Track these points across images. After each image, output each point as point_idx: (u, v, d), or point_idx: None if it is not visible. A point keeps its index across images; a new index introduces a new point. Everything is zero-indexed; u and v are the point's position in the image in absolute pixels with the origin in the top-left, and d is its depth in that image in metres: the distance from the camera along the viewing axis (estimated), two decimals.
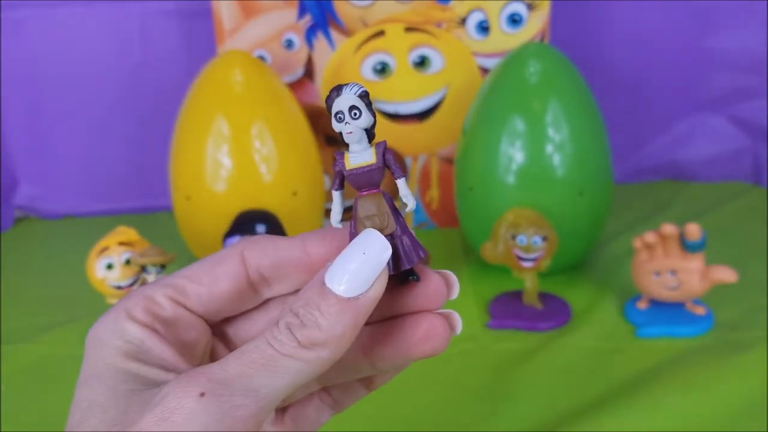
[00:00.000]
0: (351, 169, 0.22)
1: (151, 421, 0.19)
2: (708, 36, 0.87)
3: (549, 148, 0.62)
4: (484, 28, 0.75)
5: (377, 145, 0.23)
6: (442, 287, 0.23)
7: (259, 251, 0.23)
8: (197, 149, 0.65)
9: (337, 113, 0.22)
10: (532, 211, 0.58)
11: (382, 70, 0.76)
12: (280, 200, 0.65)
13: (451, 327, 0.23)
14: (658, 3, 0.86)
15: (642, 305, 0.58)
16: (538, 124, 0.62)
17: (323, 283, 0.20)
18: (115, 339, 0.21)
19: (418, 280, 0.23)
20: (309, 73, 0.77)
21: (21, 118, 0.88)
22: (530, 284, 0.59)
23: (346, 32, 0.76)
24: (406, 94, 0.77)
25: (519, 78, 0.64)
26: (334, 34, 0.76)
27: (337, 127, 0.22)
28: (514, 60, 0.66)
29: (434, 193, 0.81)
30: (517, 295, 0.61)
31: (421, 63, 0.76)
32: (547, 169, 0.62)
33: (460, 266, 0.70)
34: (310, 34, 0.76)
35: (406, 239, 0.22)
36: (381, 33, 0.75)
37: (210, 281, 0.23)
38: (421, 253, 0.22)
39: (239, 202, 0.64)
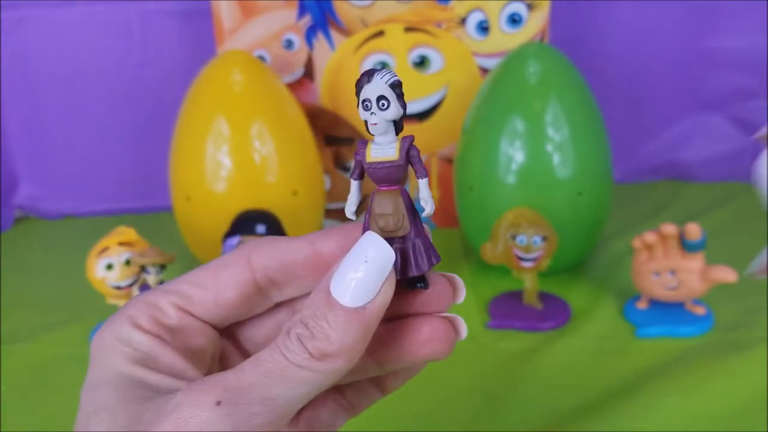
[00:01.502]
0: (371, 163, 0.21)
1: (165, 429, 0.18)
2: (708, 36, 0.87)
3: (549, 148, 0.62)
4: (483, 28, 0.75)
5: (403, 139, 0.21)
6: (448, 290, 0.22)
7: (266, 254, 0.23)
8: (197, 149, 0.65)
9: (364, 101, 0.20)
10: (532, 211, 0.58)
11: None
12: (280, 200, 0.65)
13: (456, 331, 0.22)
14: (658, 3, 0.86)
15: (642, 305, 0.58)
16: (538, 124, 0.62)
17: (329, 292, 0.20)
18: (122, 346, 0.21)
19: (426, 287, 0.22)
20: (309, 73, 0.77)
21: (21, 118, 0.88)
22: (530, 284, 0.59)
23: (346, 32, 0.76)
24: (406, 94, 0.77)
25: (519, 78, 0.64)
26: (334, 34, 0.76)
27: (363, 115, 0.21)
28: (514, 60, 0.66)
29: (434, 193, 0.81)
30: (517, 295, 0.61)
31: (421, 63, 0.76)
32: (547, 169, 0.62)
33: (460, 266, 0.70)
34: (310, 34, 0.76)
35: (419, 243, 0.21)
36: (381, 33, 0.75)
37: (216, 287, 0.22)
38: (433, 259, 0.21)
39: (239, 202, 0.64)
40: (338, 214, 0.80)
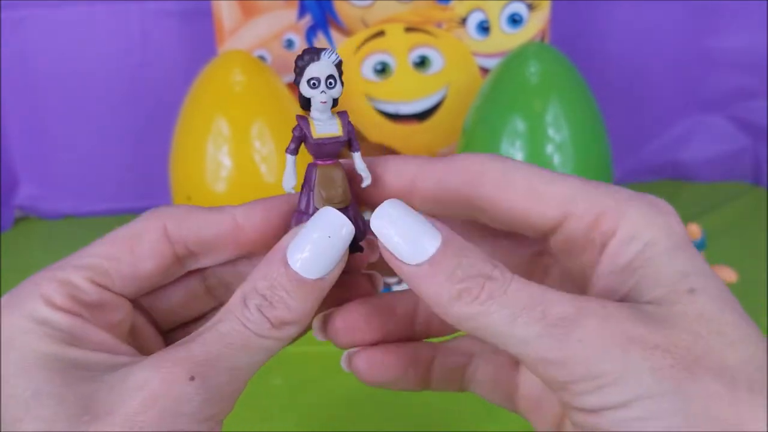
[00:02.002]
0: (318, 139, 0.22)
1: (134, 406, 0.18)
2: (708, 36, 0.87)
3: (549, 148, 0.62)
4: (484, 28, 0.75)
5: (341, 115, 0.22)
6: (368, 253, 0.24)
7: (184, 226, 0.23)
8: (197, 149, 0.65)
9: (311, 79, 0.21)
10: None
11: (382, 70, 0.76)
12: None
13: (375, 287, 0.25)
14: (659, 3, 0.86)
15: None
16: (538, 124, 0.62)
17: (287, 263, 0.20)
18: (41, 327, 0.20)
19: (362, 251, 0.23)
20: None
21: (21, 118, 0.88)
22: None
23: (347, 32, 0.76)
24: (406, 94, 0.77)
25: (519, 78, 0.64)
26: (335, 34, 0.76)
27: (308, 92, 0.22)
28: (515, 60, 0.66)
29: None
30: None
31: (422, 63, 0.76)
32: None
33: None
34: (310, 34, 0.76)
35: (358, 213, 0.23)
36: (381, 33, 0.75)
37: (132, 261, 0.22)
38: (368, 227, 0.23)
39: (239, 202, 0.64)
40: None
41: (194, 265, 0.24)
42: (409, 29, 0.75)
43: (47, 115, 0.88)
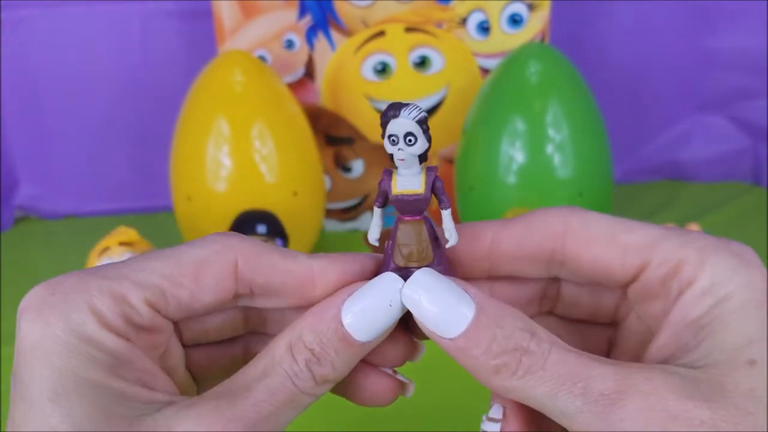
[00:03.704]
0: (397, 195, 0.22)
1: None
2: (708, 36, 0.87)
3: (549, 148, 0.62)
4: (484, 28, 0.75)
5: (428, 171, 0.22)
6: (393, 387, 0.24)
7: (257, 267, 0.21)
8: (197, 149, 0.65)
9: (391, 136, 0.21)
10: None
11: (383, 70, 0.76)
12: (281, 200, 0.65)
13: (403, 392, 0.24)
14: (659, 3, 0.86)
15: None
16: (538, 124, 0.62)
17: (341, 324, 0.20)
18: (87, 348, 0.18)
19: None
20: (309, 73, 0.77)
21: (21, 118, 0.88)
22: None
23: (347, 32, 0.76)
24: (406, 94, 0.77)
25: (519, 78, 0.64)
26: (335, 34, 0.76)
27: (389, 149, 0.21)
28: (515, 60, 0.66)
29: None
30: None
31: (422, 63, 0.76)
32: (547, 169, 0.62)
33: None
34: (310, 35, 0.76)
35: (441, 271, 0.22)
36: (381, 33, 0.75)
37: (195, 290, 0.21)
38: None
39: (239, 202, 0.64)
40: (339, 214, 0.80)
41: (247, 303, 0.23)
42: (409, 29, 0.75)
43: (47, 115, 0.88)
